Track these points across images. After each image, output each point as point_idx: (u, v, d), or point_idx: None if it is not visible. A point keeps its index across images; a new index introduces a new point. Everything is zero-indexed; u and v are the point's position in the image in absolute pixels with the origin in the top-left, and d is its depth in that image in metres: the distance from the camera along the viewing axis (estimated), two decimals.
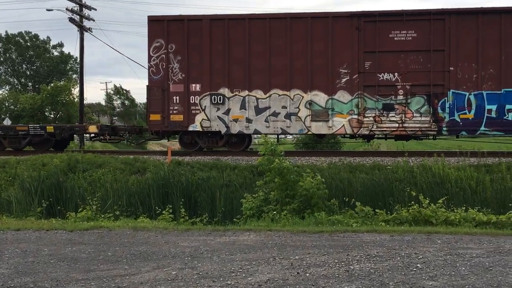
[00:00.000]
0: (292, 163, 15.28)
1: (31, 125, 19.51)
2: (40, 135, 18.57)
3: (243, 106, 16.72)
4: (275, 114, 16.58)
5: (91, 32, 29.59)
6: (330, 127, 16.45)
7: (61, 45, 64.23)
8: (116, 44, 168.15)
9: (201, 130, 17.01)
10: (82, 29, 29.21)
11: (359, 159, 15.75)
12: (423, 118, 15.93)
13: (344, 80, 16.21)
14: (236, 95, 16.77)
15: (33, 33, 61.01)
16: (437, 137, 16.81)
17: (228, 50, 16.68)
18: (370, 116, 16.17)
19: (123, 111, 62.44)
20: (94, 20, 29.90)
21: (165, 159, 16.09)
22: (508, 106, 15.49)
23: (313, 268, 5.59)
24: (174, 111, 16.96)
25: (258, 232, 7.86)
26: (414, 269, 5.49)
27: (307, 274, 5.36)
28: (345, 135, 17.39)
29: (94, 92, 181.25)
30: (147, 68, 17.27)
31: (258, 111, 16.69)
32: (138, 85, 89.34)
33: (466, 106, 15.70)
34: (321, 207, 9.89)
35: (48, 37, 72.07)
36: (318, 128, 16.54)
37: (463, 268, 5.51)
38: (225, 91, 16.80)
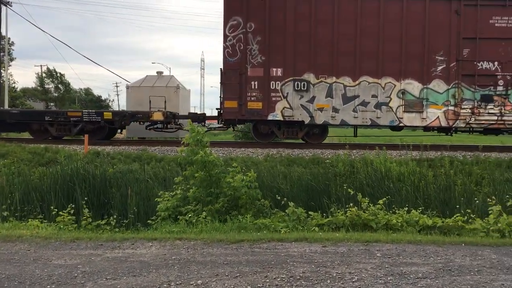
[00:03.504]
0: (225, 156, 14.08)
1: (85, 111, 17.19)
2: (96, 121, 16.40)
3: (329, 94, 15.19)
4: (364, 104, 15.13)
5: (11, 6, 26.65)
6: (424, 118, 15.12)
7: None
8: (55, 26, 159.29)
9: (282, 119, 15.36)
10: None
11: (298, 151, 14.61)
12: None
13: (440, 68, 14.97)
14: (322, 81, 15.20)
15: None
16: None
17: (315, 31, 15.05)
18: (467, 108, 14.96)
19: (58, 96, 58.58)
20: None
21: (83, 149, 14.25)
22: None
23: None
24: (252, 98, 15.25)
25: (163, 242, 6.39)
26: None
27: None
28: (439, 128, 15.76)
29: (30, 77, 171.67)
30: (223, 48, 15.37)
31: (346, 99, 15.18)
32: (68, 70, 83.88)
33: None
34: (250, 208, 8.56)
35: None
36: (411, 120, 15.19)
37: None
38: (310, 76, 15.20)
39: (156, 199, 9.04)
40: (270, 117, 15.31)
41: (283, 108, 15.25)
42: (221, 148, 14.90)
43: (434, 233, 7.47)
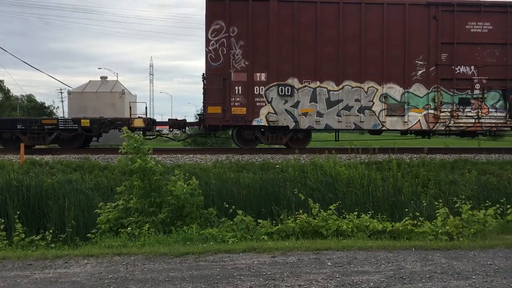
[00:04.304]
0: (172, 163, 13.59)
1: (61, 118, 15.95)
2: (73, 129, 15.39)
3: (313, 99, 15.00)
4: (348, 108, 15.04)
5: None
6: (405, 122, 15.18)
7: None
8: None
9: (266, 124, 15.02)
10: None
11: (248, 156, 14.35)
12: (498, 114, 15.28)
13: (420, 72, 15.13)
14: (306, 86, 15.00)
15: None
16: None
17: (297, 36, 14.87)
18: (446, 111, 15.17)
19: None
20: None
21: (18, 159, 13.33)
22: None
23: None
24: (236, 103, 14.87)
25: (101, 259, 5.90)
26: None
27: None
28: (420, 131, 15.83)
29: None
30: (205, 53, 14.92)
31: (330, 104, 15.04)
32: (7, 76, 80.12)
33: None
34: (196, 217, 8.17)
35: None
36: (393, 123, 15.22)
37: None
38: (294, 81, 14.97)
39: (96, 210, 8.47)
40: (254, 123, 15.04)
41: (268, 113, 15.03)
42: (168, 155, 14.41)
43: (384, 237, 7.38)
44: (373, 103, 15.06)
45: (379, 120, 15.11)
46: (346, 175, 11.46)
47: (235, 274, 5.18)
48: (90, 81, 22.14)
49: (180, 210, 8.12)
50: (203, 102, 15.70)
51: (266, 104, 14.95)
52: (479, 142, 18.00)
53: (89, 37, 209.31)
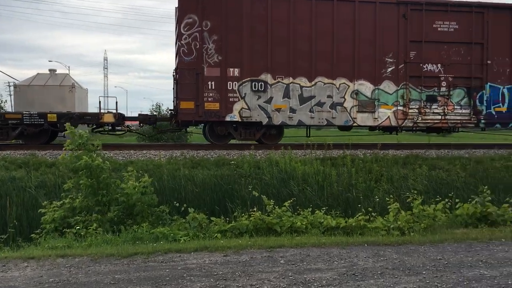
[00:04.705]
0: (125, 159, 13.17)
1: (26, 112, 14.85)
2: (38, 124, 14.58)
3: (286, 95, 14.96)
4: (320, 104, 15.10)
5: None
6: (375, 118, 15.38)
7: None
8: None
9: (240, 120, 14.84)
10: None
11: (203, 152, 14.12)
12: (463, 111, 15.72)
13: (389, 69, 15.35)
14: (279, 82, 14.93)
15: None
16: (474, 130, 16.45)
17: (271, 31, 14.77)
18: (414, 108, 15.49)
19: None
20: None
21: None
22: None
23: None
24: (209, 99, 14.63)
25: (42, 261, 5.56)
26: None
27: None
28: (390, 127, 16.09)
29: None
30: (177, 47, 14.65)
31: (303, 100, 15.03)
32: None
33: (500, 99, 15.86)
34: (147, 216, 7.91)
35: None
36: (364, 119, 15.36)
37: None
38: (267, 77, 14.87)
39: (41, 210, 8.04)
40: (227, 118, 14.86)
41: (241, 109, 14.86)
42: (121, 151, 13.96)
43: (338, 234, 7.38)
44: (345, 100, 15.21)
45: (351, 116, 15.29)
46: (302, 171, 11.47)
47: (185, 275, 4.99)
48: (38, 73, 21.20)
49: (131, 209, 7.84)
50: (174, 97, 15.51)
51: (239, 100, 14.83)
52: (429, 138, 18.57)
53: (39, 28, 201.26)
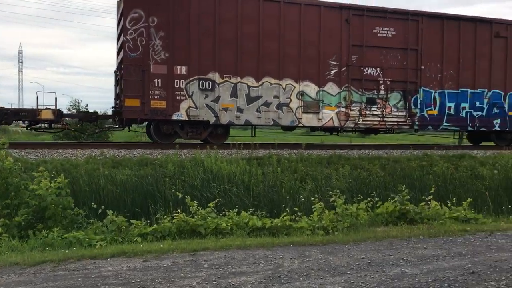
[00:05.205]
0: (37, 159, 12.22)
1: None
2: None
3: (233, 94, 14.79)
4: (267, 104, 15.10)
5: None
6: (320, 119, 15.61)
7: None
8: None
9: (187, 119, 14.45)
10: None
11: (125, 151, 13.48)
12: (399, 113, 16.37)
13: (333, 72, 15.66)
14: (226, 81, 14.74)
15: None
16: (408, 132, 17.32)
17: (219, 30, 14.56)
18: (356, 110, 15.90)
19: None
20: None
21: None
22: (463, 104, 17.02)
23: None
24: (156, 96, 14.11)
25: None
26: None
27: None
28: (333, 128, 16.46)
29: None
30: (122, 42, 14.09)
31: (250, 100, 14.95)
32: None
33: (432, 103, 16.69)
34: (60, 219, 7.30)
35: None
36: (309, 120, 15.56)
37: None
38: (215, 76, 14.62)
39: None
40: (174, 117, 14.41)
41: (188, 108, 14.49)
42: (34, 150, 12.94)
43: (263, 234, 7.27)
44: (291, 100, 15.33)
45: (296, 117, 15.44)
46: (228, 171, 11.27)
47: (99, 284, 4.59)
48: None
49: (43, 212, 7.20)
50: (115, 94, 15.14)
51: (186, 98, 14.50)
52: (351, 139, 19.20)
53: None
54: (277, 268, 5.19)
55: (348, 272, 5.05)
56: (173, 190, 9.11)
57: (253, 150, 13.52)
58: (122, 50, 14.22)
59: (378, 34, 16.10)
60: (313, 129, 16.53)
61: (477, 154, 15.31)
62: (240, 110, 14.96)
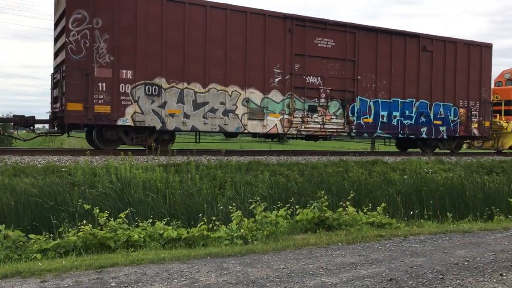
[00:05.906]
0: None
1: None
2: None
3: (180, 100, 14.68)
4: (213, 111, 15.17)
5: None
6: (264, 126, 15.96)
7: None
8: None
9: (132, 124, 14.09)
10: None
11: (29, 158, 12.44)
12: (338, 121, 17.01)
13: (277, 79, 16.04)
14: (173, 86, 14.60)
15: None
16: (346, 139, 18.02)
17: (166, 35, 14.37)
18: (298, 117, 16.37)
19: None
20: None
21: None
22: (394, 113, 18.01)
23: None
24: (100, 101, 13.67)
25: None
26: None
27: None
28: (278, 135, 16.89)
29: None
30: (62, 44, 13.60)
31: (196, 106, 14.92)
32: None
33: (368, 111, 17.47)
34: None
35: None
36: (254, 126, 15.83)
37: None
38: (161, 81, 14.42)
39: None
40: (119, 122, 13.96)
41: (134, 113, 14.14)
42: None
43: (179, 246, 6.87)
44: (237, 107, 15.49)
45: (242, 123, 15.63)
46: (143, 178, 10.70)
47: None
48: None
49: None
50: (52, 98, 14.82)
51: (132, 103, 14.14)
52: (270, 145, 19.31)
53: None
54: (193, 283, 4.83)
55: (268, 285, 4.81)
56: (80, 202, 8.38)
57: (170, 157, 13.03)
58: (64, 52, 13.61)
59: (319, 45, 16.70)
60: (255, 135, 16.77)
61: (388, 160, 16.00)
62: (186, 116, 14.87)
